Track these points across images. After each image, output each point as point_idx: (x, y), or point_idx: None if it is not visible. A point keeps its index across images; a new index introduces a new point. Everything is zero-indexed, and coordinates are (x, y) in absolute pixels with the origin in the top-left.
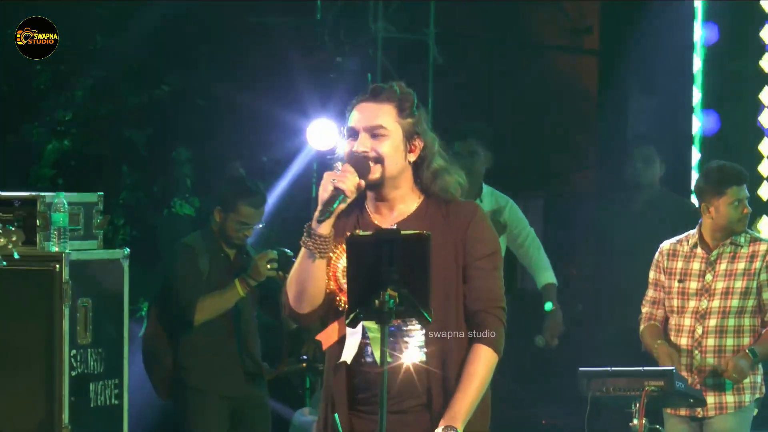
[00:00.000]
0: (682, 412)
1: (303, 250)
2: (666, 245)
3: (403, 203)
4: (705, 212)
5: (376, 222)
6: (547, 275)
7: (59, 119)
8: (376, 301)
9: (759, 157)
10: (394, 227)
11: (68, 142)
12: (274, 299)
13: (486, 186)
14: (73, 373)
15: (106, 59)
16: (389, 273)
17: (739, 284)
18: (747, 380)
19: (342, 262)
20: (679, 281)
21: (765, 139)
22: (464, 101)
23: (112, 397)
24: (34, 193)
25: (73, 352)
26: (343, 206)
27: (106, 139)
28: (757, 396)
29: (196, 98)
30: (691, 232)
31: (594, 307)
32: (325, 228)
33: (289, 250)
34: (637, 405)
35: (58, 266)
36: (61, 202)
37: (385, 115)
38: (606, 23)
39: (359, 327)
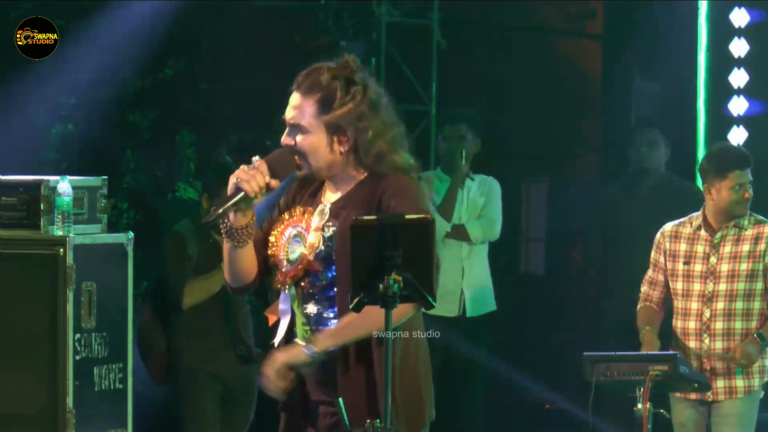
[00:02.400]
0: (692, 396)
1: None
2: (668, 227)
3: (345, 182)
4: (707, 194)
5: (322, 200)
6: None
7: (63, 103)
8: (381, 286)
9: None
10: (327, 206)
11: (72, 126)
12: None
13: (475, 174)
14: (77, 357)
15: (108, 43)
16: (393, 257)
17: (744, 267)
18: (756, 364)
19: (289, 232)
20: (684, 263)
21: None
22: (468, 86)
23: (116, 381)
24: (38, 177)
25: (77, 336)
26: (256, 201)
27: (110, 123)
28: (766, 380)
29: (200, 82)
30: (695, 214)
31: (598, 292)
32: (240, 219)
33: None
34: (642, 390)
35: (62, 250)
36: (65, 186)
37: (304, 112)
38: (610, 7)
39: (288, 304)
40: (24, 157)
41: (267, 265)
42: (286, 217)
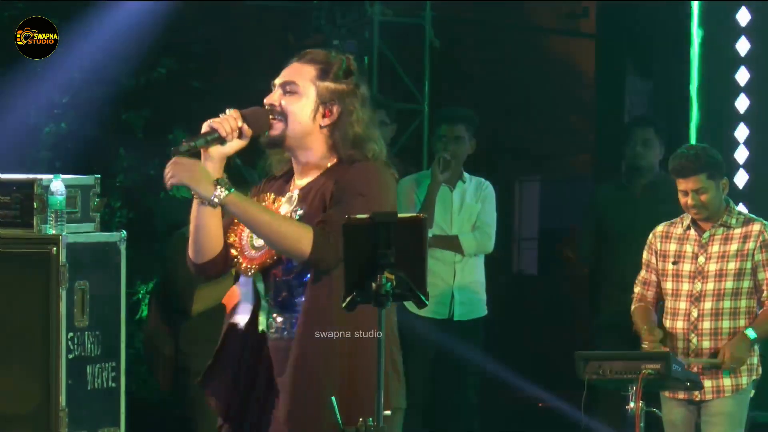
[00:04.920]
0: (680, 395)
1: None
2: (660, 227)
3: (316, 167)
4: None
5: (290, 188)
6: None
7: (56, 102)
8: (373, 285)
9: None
10: (295, 192)
11: (65, 124)
12: None
13: (467, 174)
14: (70, 356)
15: (102, 41)
16: (386, 256)
17: (732, 266)
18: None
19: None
20: (673, 263)
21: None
22: (460, 85)
23: (109, 379)
24: (31, 176)
25: (70, 334)
26: (222, 149)
27: (103, 122)
28: (754, 378)
29: (193, 80)
30: (686, 213)
31: (590, 290)
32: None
33: None
34: (634, 388)
35: (55, 249)
36: (58, 184)
37: (302, 74)
38: (603, 7)
39: (250, 288)
40: (17, 155)
41: (229, 254)
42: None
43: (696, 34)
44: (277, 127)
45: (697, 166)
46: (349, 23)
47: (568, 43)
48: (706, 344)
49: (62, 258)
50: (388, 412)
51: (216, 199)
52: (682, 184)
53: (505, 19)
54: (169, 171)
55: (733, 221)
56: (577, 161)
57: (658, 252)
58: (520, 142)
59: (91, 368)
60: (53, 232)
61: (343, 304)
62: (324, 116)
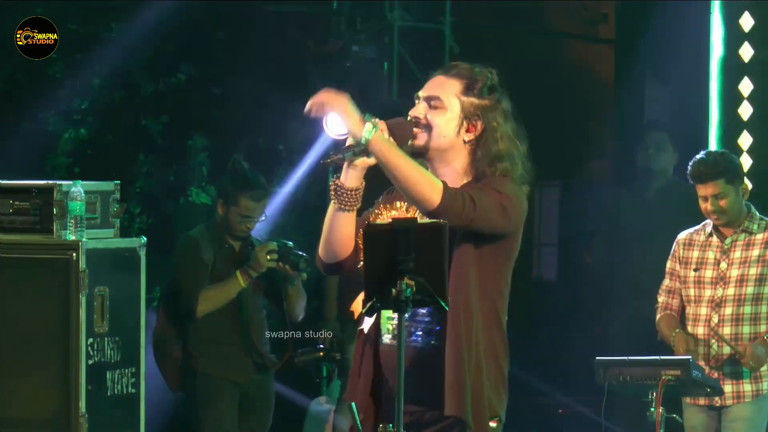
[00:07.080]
0: (701, 401)
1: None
2: (683, 235)
3: (452, 183)
4: None
5: None
6: None
7: (75, 108)
8: (393, 290)
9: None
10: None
11: (84, 130)
12: (279, 291)
13: None
14: (90, 362)
15: (121, 47)
16: (406, 262)
17: (754, 271)
18: (764, 368)
19: None
20: (695, 270)
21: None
22: None
23: (128, 385)
24: (50, 182)
25: (90, 340)
26: (367, 160)
27: (122, 128)
28: None
29: (212, 86)
30: (708, 221)
31: (606, 296)
32: (351, 181)
33: (290, 242)
34: (654, 394)
35: (74, 255)
36: (77, 190)
37: (447, 88)
38: (622, 12)
39: None
40: (37, 161)
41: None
42: (383, 209)
43: (714, 38)
44: (421, 138)
45: (716, 172)
46: (368, 29)
47: (587, 48)
48: (726, 349)
49: (82, 264)
50: (494, 424)
51: (367, 135)
52: (702, 190)
53: (524, 24)
54: (319, 99)
55: (755, 227)
56: (596, 167)
57: (681, 259)
58: (540, 148)
59: (110, 374)
60: (73, 238)
61: (363, 310)
62: (468, 131)
